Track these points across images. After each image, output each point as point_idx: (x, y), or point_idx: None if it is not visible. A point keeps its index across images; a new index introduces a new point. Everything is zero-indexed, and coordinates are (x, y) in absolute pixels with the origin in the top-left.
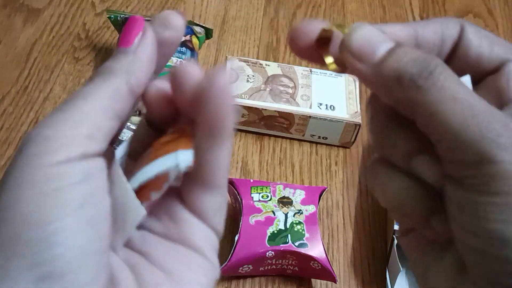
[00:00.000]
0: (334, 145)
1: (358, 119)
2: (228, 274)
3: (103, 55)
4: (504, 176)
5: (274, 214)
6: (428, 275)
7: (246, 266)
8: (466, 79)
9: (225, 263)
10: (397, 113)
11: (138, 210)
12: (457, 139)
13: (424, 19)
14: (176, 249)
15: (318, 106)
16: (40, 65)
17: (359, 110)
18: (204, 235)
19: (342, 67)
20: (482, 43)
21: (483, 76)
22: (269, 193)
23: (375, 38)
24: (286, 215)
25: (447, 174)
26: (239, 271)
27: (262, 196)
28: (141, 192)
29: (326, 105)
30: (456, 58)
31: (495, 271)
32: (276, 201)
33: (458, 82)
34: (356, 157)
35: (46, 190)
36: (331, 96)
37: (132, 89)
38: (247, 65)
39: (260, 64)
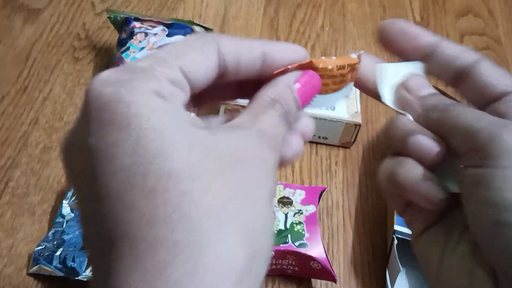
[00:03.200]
0: (334, 145)
1: (358, 119)
2: None
3: (103, 55)
4: (507, 152)
5: (274, 214)
6: (442, 271)
7: None
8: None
9: None
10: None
11: None
12: (471, 129)
13: (439, 36)
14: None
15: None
16: (40, 65)
17: (359, 110)
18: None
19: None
20: (494, 74)
21: (487, 104)
22: None
23: (424, 83)
24: (286, 215)
25: (465, 165)
26: None
27: None
28: None
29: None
30: (465, 82)
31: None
32: (276, 201)
33: (471, 108)
34: (356, 157)
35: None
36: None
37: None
38: None
39: None
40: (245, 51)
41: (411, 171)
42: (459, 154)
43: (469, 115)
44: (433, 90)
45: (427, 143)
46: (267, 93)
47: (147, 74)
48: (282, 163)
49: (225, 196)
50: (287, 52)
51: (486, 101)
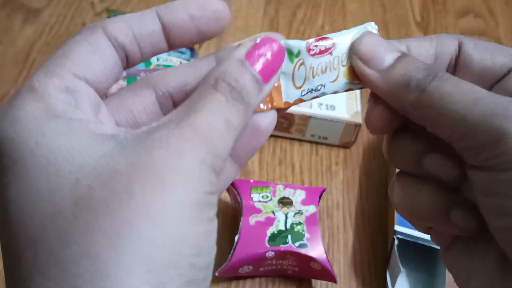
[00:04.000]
0: (334, 145)
1: (358, 119)
2: (228, 275)
3: None
4: None
5: (274, 215)
6: (471, 282)
7: (246, 266)
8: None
9: (225, 264)
10: (404, 123)
11: None
12: (465, 123)
13: (419, 36)
14: None
15: (318, 106)
16: (40, 65)
17: (359, 110)
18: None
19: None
20: (484, 56)
21: (490, 86)
22: (269, 193)
23: (382, 46)
24: (286, 215)
25: (468, 164)
26: (239, 271)
27: (262, 197)
28: None
29: (326, 105)
30: (458, 73)
31: None
32: (276, 202)
33: (460, 80)
34: (356, 157)
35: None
36: (331, 96)
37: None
38: None
39: None
40: (137, 26)
41: (436, 203)
42: (452, 145)
43: (458, 98)
44: (397, 53)
45: (447, 165)
46: (210, 74)
47: (34, 93)
48: (262, 132)
49: (124, 227)
50: (184, 7)
51: (489, 84)
